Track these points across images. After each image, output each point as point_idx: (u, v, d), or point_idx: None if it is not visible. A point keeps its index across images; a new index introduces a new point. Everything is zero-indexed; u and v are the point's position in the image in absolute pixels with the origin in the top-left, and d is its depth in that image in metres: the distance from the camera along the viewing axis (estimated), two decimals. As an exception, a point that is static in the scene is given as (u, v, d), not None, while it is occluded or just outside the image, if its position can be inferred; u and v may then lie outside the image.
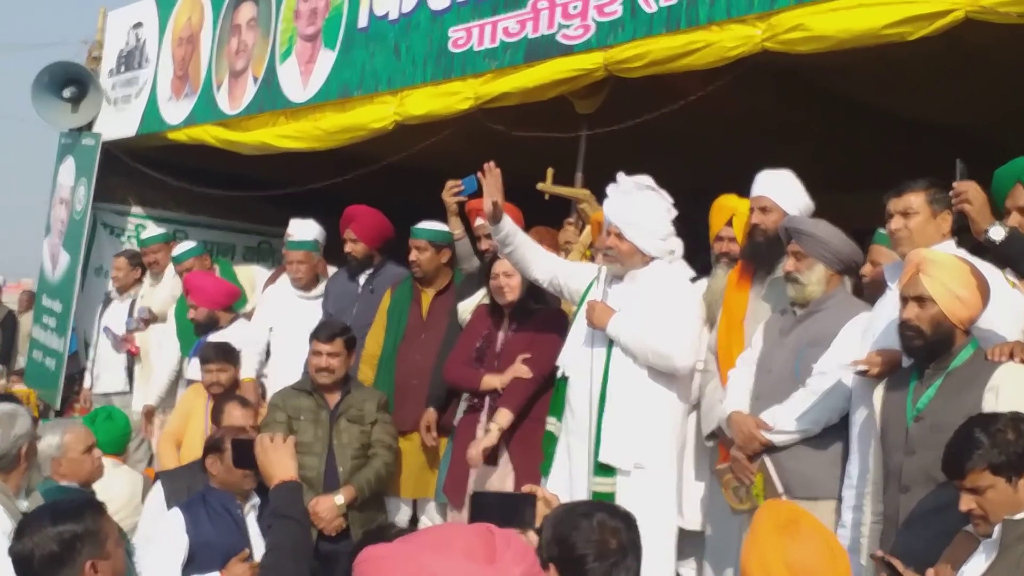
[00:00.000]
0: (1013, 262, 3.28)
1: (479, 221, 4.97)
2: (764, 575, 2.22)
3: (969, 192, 3.32)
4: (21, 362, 9.54)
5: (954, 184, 3.26)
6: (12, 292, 13.67)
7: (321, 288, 5.91)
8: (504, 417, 4.29)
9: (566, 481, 4.01)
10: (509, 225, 4.16)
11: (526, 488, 2.29)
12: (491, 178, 4.12)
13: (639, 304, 3.98)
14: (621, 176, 4.09)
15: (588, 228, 4.93)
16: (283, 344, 5.81)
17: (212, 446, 4.02)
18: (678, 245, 4.16)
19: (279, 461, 2.67)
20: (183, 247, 6.77)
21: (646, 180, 4.06)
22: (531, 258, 4.23)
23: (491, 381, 4.39)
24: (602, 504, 2.38)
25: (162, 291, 6.81)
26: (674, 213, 4.11)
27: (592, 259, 4.60)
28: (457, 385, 4.64)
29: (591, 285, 4.11)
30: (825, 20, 3.95)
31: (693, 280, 4.37)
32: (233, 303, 6.11)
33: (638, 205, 4.03)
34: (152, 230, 7.35)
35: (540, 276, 4.27)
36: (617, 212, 4.04)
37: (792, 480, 3.68)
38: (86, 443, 4.11)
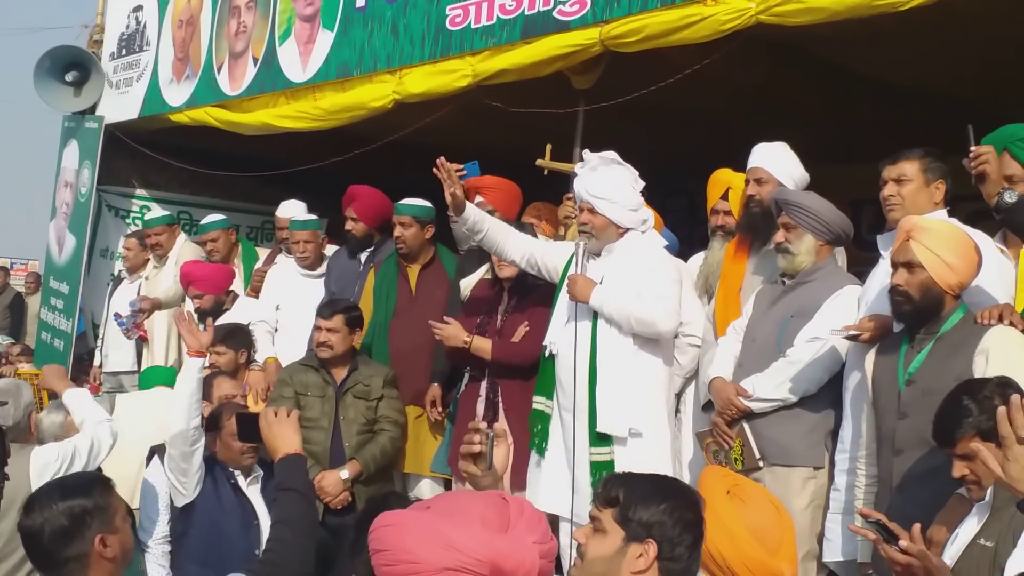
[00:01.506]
0: (1020, 225, 3.31)
1: (479, 199, 5.02)
2: (731, 542, 2.28)
3: (989, 155, 3.34)
4: (29, 343, 9.61)
5: (971, 148, 3.27)
6: (19, 275, 13.79)
7: (324, 267, 5.97)
8: (480, 343, 4.45)
9: (564, 456, 4.07)
10: (474, 213, 4.27)
11: (473, 425, 2.32)
12: (443, 172, 4.25)
13: (618, 275, 4.05)
14: (587, 153, 4.18)
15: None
16: (289, 322, 5.87)
17: (211, 422, 4.08)
18: (649, 215, 4.22)
19: (283, 434, 2.69)
20: (211, 218, 6.83)
21: (611, 155, 4.13)
22: (503, 241, 4.33)
23: (481, 344, 4.47)
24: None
25: (167, 274, 6.87)
26: (641, 184, 4.17)
27: None
28: (455, 359, 4.70)
29: (570, 262, 4.17)
30: (818, -8, 3.99)
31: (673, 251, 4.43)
32: (231, 283, 6.17)
33: (606, 179, 4.10)
34: (155, 212, 7.40)
35: (515, 257, 4.35)
36: (587, 188, 4.12)
37: (769, 447, 3.77)
38: None
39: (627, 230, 4.14)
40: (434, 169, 4.36)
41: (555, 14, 4.91)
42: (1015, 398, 2.14)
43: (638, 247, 4.12)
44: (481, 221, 4.29)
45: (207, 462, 4.00)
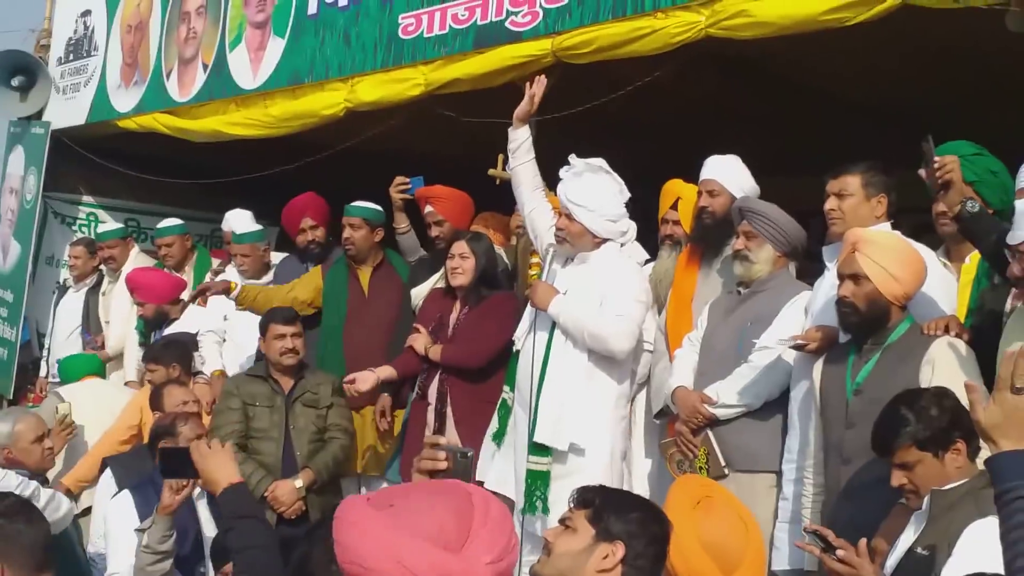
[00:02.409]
0: (977, 237, 3.34)
1: (428, 208, 5.02)
2: (677, 552, 2.31)
3: (954, 164, 3.37)
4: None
5: (935, 158, 3.30)
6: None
7: (271, 276, 5.92)
8: (385, 372, 4.54)
9: (511, 454, 4.09)
10: (526, 138, 4.30)
11: (430, 439, 2.26)
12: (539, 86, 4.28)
13: (585, 286, 4.03)
14: (573, 158, 4.13)
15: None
16: (237, 332, 5.82)
17: (162, 431, 4.01)
18: (631, 227, 4.20)
19: (222, 465, 2.65)
20: (167, 223, 6.76)
21: (598, 162, 4.10)
22: (531, 180, 4.33)
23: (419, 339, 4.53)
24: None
25: (122, 289, 6.75)
26: (627, 195, 4.15)
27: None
28: (404, 373, 4.69)
29: (547, 260, 4.16)
30: (767, 6, 4.04)
31: (645, 263, 4.45)
32: (180, 294, 6.09)
33: (589, 186, 4.06)
34: (108, 225, 7.27)
35: (528, 203, 4.34)
36: (568, 193, 4.08)
37: (733, 453, 3.78)
38: (36, 432, 4.14)
39: (604, 241, 4.10)
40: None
41: (507, 24, 4.92)
42: (1016, 347, 2.15)
43: (611, 260, 4.08)
44: (529, 148, 4.30)
45: (150, 479, 3.89)
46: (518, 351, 4.14)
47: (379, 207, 5.20)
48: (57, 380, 6.94)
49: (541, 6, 4.78)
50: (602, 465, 3.96)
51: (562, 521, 2.22)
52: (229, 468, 2.65)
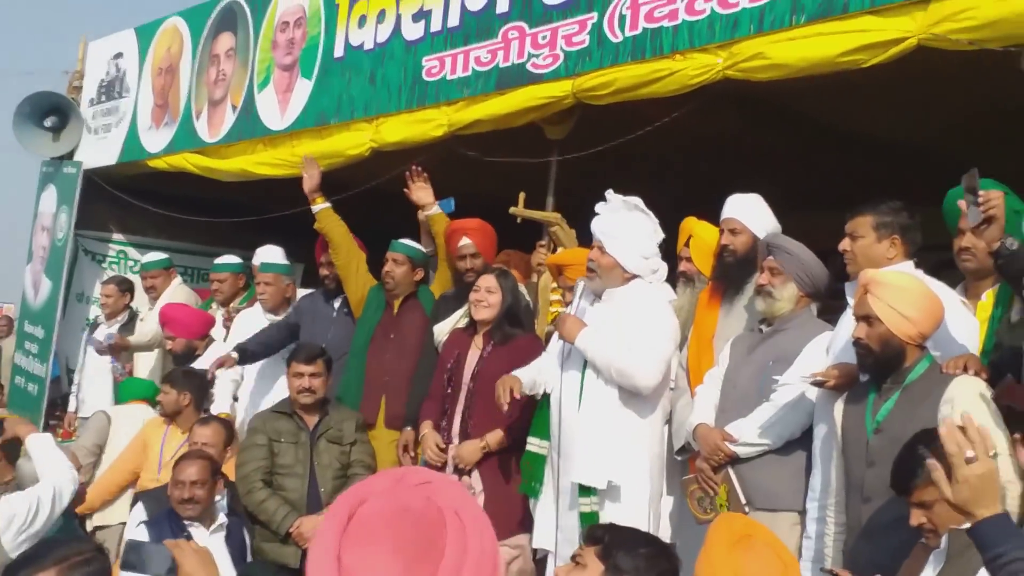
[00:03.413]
0: (1016, 274, 3.32)
1: (465, 240, 5.01)
2: None
3: (999, 199, 3.36)
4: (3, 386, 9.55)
5: (980, 192, 3.28)
6: (-7, 318, 13.66)
7: (289, 310, 6.01)
8: (495, 438, 4.36)
9: (552, 503, 4.05)
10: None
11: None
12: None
13: (612, 323, 4.03)
14: (610, 194, 4.13)
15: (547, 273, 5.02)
16: (256, 367, 5.90)
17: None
18: (662, 267, 4.18)
19: (204, 564, 2.46)
20: (151, 256, 6.89)
21: (635, 200, 4.11)
22: None
23: (428, 437, 4.50)
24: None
25: (154, 315, 6.83)
26: (660, 236, 4.16)
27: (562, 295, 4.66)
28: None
29: (577, 296, 4.17)
30: (783, 49, 4.09)
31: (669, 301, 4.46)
32: (209, 330, 6.18)
33: (623, 221, 4.07)
34: (152, 256, 7.29)
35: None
36: (601, 226, 4.09)
37: (754, 492, 3.78)
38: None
39: (634, 277, 4.09)
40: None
41: (529, 67, 5.00)
42: (948, 419, 2.19)
43: (639, 295, 4.06)
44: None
45: (161, 517, 3.99)
46: (547, 395, 4.11)
47: (424, 249, 5.29)
48: (86, 417, 7.06)
49: (562, 48, 4.87)
50: (640, 503, 3.94)
51: (573, 558, 2.26)
52: (210, 569, 2.46)
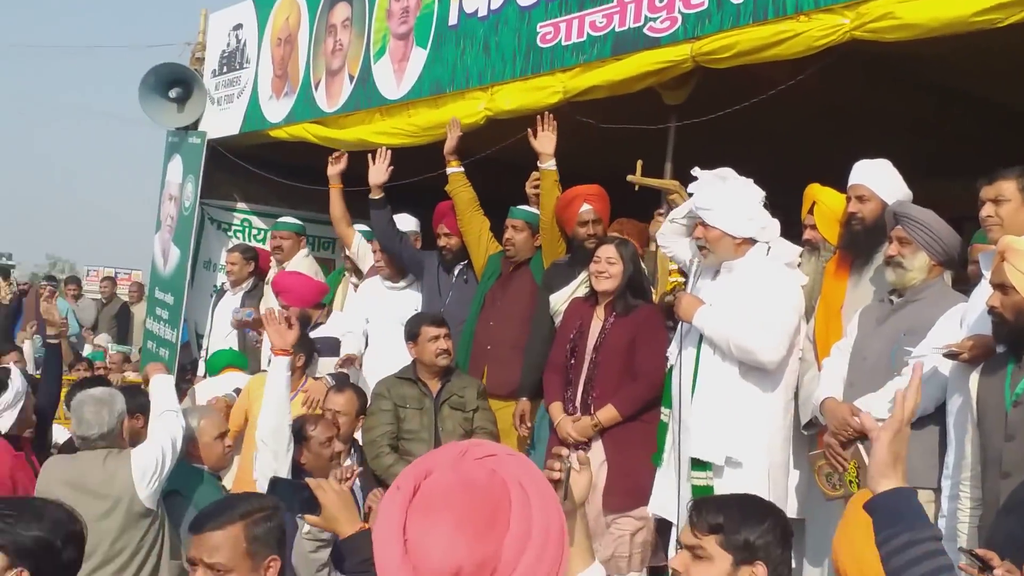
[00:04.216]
0: None
1: (586, 206, 5.00)
2: (856, 567, 2.29)
3: None
4: (134, 352, 9.98)
5: None
6: (122, 284, 14.29)
7: (407, 280, 6.10)
8: (607, 414, 4.38)
9: (672, 473, 4.07)
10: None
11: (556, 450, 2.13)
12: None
13: (733, 297, 3.99)
14: (697, 171, 4.13)
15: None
16: (377, 334, 6.03)
17: (296, 433, 4.10)
18: (771, 224, 4.12)
19: (347, 506, 2.54)
20: (286, 218, 7.07)
21: (723, 171, 4.08)
22: None
23: (563, 424, 4.46)
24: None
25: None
26: (759, 193, 4.10)
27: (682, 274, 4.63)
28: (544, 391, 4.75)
29: (693, 275, 4.15)
30: (914, 8, 3.94)
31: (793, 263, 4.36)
32: (323, 299, 6.30)
33: (716, 191, 4.05)
34: (287, 218, 7.37)
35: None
36: (697, 203, 4.08)
37: (885, 469, 3.70)
38: (219, 430, 4.35)
39: (745, 241, 4.05)
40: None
41: (646, 31, 4.93)
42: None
43: (759, 266, 4.02)
44: None
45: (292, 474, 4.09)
46: (670, 367, 4.14)
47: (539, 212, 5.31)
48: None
49: (680, 11, 4.78)
50: (760, 479, 3.92)
51: (690, 548, 2.16)
52: (352, 511, 2.57)
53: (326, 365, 5.73)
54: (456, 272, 5.77)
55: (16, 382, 4.44)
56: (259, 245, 8.22)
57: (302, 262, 7.00)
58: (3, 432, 4.37)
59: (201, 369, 7.60)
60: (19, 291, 11.22)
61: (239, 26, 8.40)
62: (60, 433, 5.56)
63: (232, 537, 2.49)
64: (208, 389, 5.83)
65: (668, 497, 4.08)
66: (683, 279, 4.48)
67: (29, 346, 8.85)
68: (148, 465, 3.87)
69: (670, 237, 4.35)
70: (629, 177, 5.12)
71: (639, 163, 5.09)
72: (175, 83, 8.51)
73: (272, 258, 7.18)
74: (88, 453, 3.95)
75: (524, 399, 4.93)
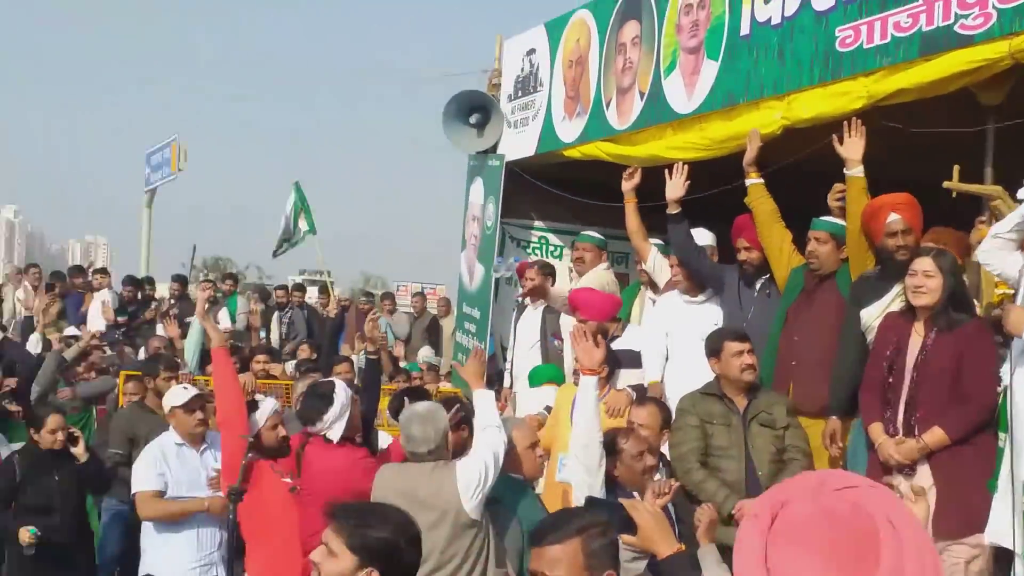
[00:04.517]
0: None
1: (893, 216, 4.78)
2: None
3: None
4: (445, 363, 10.60)
5: None
6: (430, 298, 15.22)
7: (706, 294, 6.10)
8: (934, 437, 4.21)
9: (1010, 499, 3.88)
10: None
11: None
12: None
13: None
14: None
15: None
16: (678, 349, 6.07)
17: (607, 448, 4.18)
18: None
19: (662, 526, 2.58)
20: (590, 232, 7.30)
21: None
22: None
23: (884, 445, 4.29)
24: None
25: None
26: None
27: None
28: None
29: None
30: None
31: None
32: (617, 312, 6.41)
33: None
34: (591, 232, 7.61)
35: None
36: None
37: None
38: (530, 440, 4.56)
39: None
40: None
41: (957, 28, 4.70)
42: None
43: None
44: None
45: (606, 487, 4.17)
46: (1004, 387, 3.95)
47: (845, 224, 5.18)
48: (514, 392, 7.69)
49: (994, 6, 4.52)
50: None
51: None
52: (668, 531, 2.61)
53: (626, 376, 5.88)
54: (758, 286, 5.71)
55: (340, 395, 4.86)
56: (555, 261, 8.53)
57: (597, 275, 7.19)
58: (335, 440, 4.80)
59: (507, 380, 7.97)
60: (341, 306, 12.23)
61: (532, 51, 8.74)
62: (384, 439, 6.04)
63: (571, 551, 2.57)
64: (528, 398, 6.28)
65: (1005, 525, 3.86)
66: (1011, 290, 4.21)
67: (356, 359, 9.63)
68: (472, 478, 4.09)
69: (994, 253, 4.10)
70: (946, 183, 4.87)
71: (956, 168, 4.83)
72: (474, 109, 8.98)
73: (572, 269, 7.43)
74: (416, 464, 4.24)
75: (834, 418, 4.80)
